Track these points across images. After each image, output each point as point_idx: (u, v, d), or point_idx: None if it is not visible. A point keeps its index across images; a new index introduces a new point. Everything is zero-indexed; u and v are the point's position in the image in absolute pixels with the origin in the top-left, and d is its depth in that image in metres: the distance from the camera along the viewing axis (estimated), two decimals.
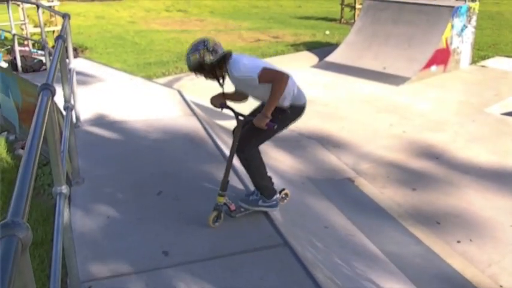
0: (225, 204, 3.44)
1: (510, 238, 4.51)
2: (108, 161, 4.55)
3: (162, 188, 4.00)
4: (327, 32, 14.65)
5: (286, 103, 3.46)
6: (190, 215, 3.62)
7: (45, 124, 1.78)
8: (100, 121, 5.52)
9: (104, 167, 4.41)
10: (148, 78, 8.91)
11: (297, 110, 3.56)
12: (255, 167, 3.53)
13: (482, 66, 10.90)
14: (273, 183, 3.66)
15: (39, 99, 1.97)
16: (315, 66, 10.92)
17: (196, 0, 22.75)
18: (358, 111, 7.98)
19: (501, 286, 3.87)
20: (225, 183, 3.43)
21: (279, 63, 11.87)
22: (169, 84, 8.65)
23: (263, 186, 3.55)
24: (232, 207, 3.48)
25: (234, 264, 3.01)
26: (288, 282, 2.87)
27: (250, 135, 3.46)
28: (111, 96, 6.58)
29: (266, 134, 3.50)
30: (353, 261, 3.91)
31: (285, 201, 3.97)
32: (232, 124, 7.25)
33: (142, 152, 4.77)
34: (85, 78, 7.29)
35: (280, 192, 3.85)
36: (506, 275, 4.00)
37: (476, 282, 3.92)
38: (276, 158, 5.96)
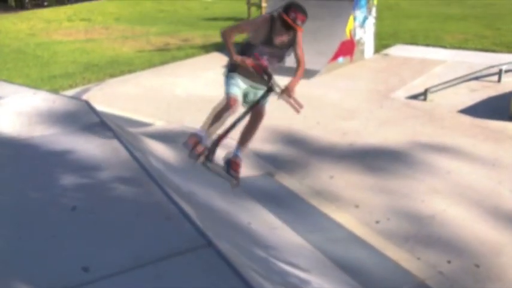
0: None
1: (424, 212, 4.76)
2: (15, 180, 4.27)
3: (76, 203, 3.81)
4: None
5: None
6: (108, 227, 3.48)
7: None
8: (4, 139, 5.17)
9: (10, 187, 4.14)
10: (54, 91, 8.50)
11: None
12: None
13: (385, 54, 11.45)
14: None
15: None
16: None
17: (100, 7, 22.07)
18: (273, 106, 8.07)
19: (419, 258, 4.07)
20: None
21: (190, 65, 11.84)
22: (77, 96, 8.31)
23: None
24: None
25: (159, 271, 2.93)
26: (215, 283, 2.83)
27: None
28: (12, 113, 6.19)
29: None
30: (279, 253, 3.94)
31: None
32: (145, 131, 7.07)
33: (52, 167, 4.52)
34: None
35: None
36: (421, 247, 4.21)
37: (396, 258, 4.10)
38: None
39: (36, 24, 18.45)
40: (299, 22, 3.91)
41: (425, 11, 17.09)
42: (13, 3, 25.82)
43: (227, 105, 4.05)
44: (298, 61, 4.20)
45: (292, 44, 4.12)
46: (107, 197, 3.91)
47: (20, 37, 15.73)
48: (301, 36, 4.13)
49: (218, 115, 4.14)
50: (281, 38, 4.05)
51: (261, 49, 4.04)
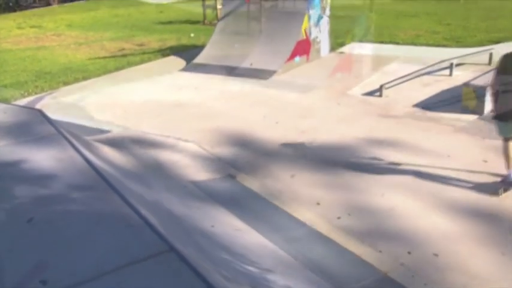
0: None
1: (383, 206, 4.85)
2: None
3: (33, 214, 3.70)
4: (192, 35, 14.68)
5: None
6: (67, 237, 3.39)
7: None
8: None
9: None
10: (5, 101, 8.24)
11: None
12: None
13: (341, 52, 11.63)
14: None
15: None
16: (184, 70, 10.87)
17: (51, 14, 21.56)
18: (232, 108, 8.08)
19: (380, 251, 4.14)
20: None
21: (146, 70, 11.73)
22: (30, 106, 8.08)
23: None
24: None
25: (120, 278, 2.87)
26: (179, 287, 2.80)
27: None
28: None
29: None
30: (243, 254, 3.93)
31: None
32: (102, 138, 6.91)
33: (6, 179, 4.37)
34: None
35: None
36: (383, 241, 4.29)
37: (359, 252, 4.15)
38: (154, 164, 5.83)
39: None
40: None
41: (378, 8, 17.45)
42: None
43: None
44: None
45: None
46: (65, 206, 3.81)
47: None
48: None
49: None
50: None
51: None
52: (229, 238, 4.24)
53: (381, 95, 8.22)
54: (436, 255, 4.08)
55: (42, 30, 17.92)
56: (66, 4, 25.10)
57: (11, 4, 26.94)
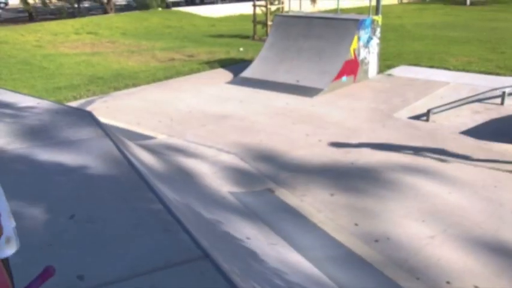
0: None
1: (422, 233, 4.72)
2: (14, 187, 4.27)
3: (75, 212, 3.81)
4: (241, 49, 14.86)
5: None
6: (106, 236, 3.46)
7: None
8: (6, 147, 5.18)
9: (9, 195, 4.13)
10: (59, 102, 8.55)
11: None
12: None
13: (389, 74, 11.50)
14: None
15: None
16: (230, 82, 11.00)
17: (107, 22, 22.30)
18: (275, 123, 8.10)
19: (418, 278, 4.03)
20: None
21: (194, 81, 11.96)
22: (81, 108, 8.34)
23: None
24: None
25: (154, 281, 2.91)
26: None
27: None
28: (18, 120, 6.22)
29: None
30: (277, 269, 3.90)
31: None
32: (147, 144, 7.08)
33: (52, 175, 4.53)
34: None
35: None
36: (422, 268, 4.17)
37: (395, 277, 4.05)
38: (195, 172, 5.89)
39: (44, 36, 18.64)
40: None
41: (430, 34, 17.22)
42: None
43: None
44: None
45: None
46: (106, 207, 3.90)
47: (27, 48, 15.88)
48: None
49: None
50: None
51: None
52: (264, 251, 4.23)
53: (427, 120, 8.07)
54: (476, 287, 3.93)
55: (98, 37, 18.58)
56: (122, 13, 25.92)
57: (70, 10, 28.12)
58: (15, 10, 30.01)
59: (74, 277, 2.97)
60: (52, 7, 28.26)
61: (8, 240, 1.16)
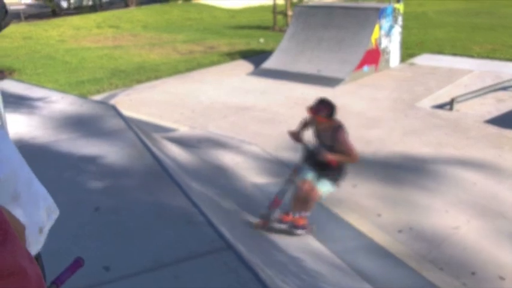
0: None
1: (447, 223, 4.69)
2: (41, 180, 4.36)
3: (100, 204, 3.88)
4: (261, 40, 14.82)
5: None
6: (130, 228, 3.52)
7: None
8: (32, 141, 5.30)
9: None
10: (82, 96, 8.68)
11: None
12: None
13: (411, 63, 11.35)
14: None
15: None
16: (251, 74, 11.00)
17: (128, 15, 22.46)
18: (296, 114, 8.05)
19: (441, 268, 4.01)
20: None
21: (215, 72, 11.95)
22: (104, 101, 8.45)
23: None
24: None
25: (178, 272, 2.96)
26: (234, 285, 2.84)
27: None
28: (43, 114, 6.34)
29: None
30: (299, 259, 3.93)
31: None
32: (170, 136, 7.13)
33: (77, 168, 4.61)
34: (13, 100, 6.99)
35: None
36: (446, 258, 4.14)
37: (418, 268, 4.04)
38: (218, 164, 5.93)
39: (66, 31, 18.88)
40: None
41: (452, 21, 16.91)
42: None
43: None
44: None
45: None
46: (130, 198, 3.96)
47: (50, 43, 16.11)
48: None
49: None
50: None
51: None
52: (285, 241, 4.25)
53: (451, 109, 7.95)
54: (502, 278, 3.89)
55: (119, 31, 18.73)
56: (143, 6, 26.07)
57: (92, 4, 28.39)
58: (38, 6, 30.43)
59: (100, 268, 3.03)
60: (72, 0, 28.61)
61: (40, 230, 1.20)
